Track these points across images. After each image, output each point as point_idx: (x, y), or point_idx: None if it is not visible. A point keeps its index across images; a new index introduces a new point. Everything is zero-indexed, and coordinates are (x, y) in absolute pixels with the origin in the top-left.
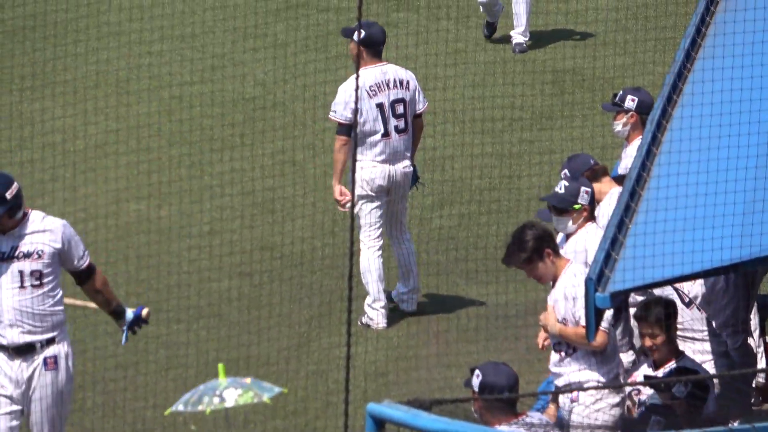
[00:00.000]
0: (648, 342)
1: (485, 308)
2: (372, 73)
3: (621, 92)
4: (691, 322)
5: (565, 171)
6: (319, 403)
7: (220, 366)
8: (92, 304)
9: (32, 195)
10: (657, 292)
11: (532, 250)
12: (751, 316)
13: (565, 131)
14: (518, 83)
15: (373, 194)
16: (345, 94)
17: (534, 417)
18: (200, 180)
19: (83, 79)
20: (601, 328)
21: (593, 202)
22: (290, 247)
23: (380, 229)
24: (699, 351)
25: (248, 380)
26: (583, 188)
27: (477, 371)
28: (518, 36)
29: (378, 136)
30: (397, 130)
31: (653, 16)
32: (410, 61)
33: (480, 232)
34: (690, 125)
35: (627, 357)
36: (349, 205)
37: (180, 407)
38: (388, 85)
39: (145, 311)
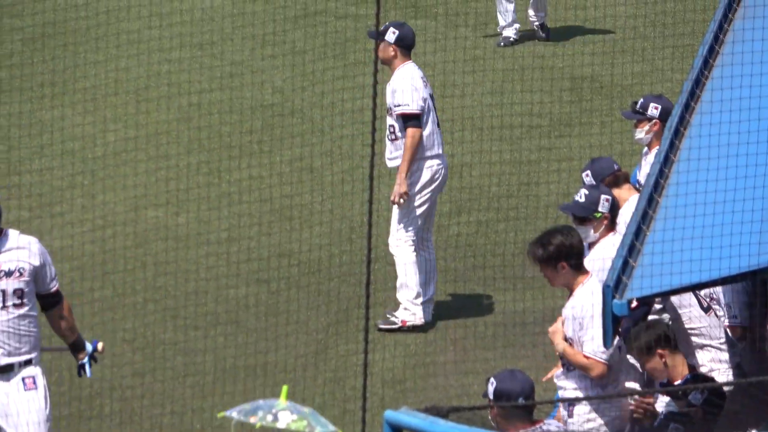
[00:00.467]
0: (646, 366)
1: (503, 315)
2: (414, 66)
3: (642, 100)
4: (708, 328)
5: (588, 173)
6: (336, 410)
7: (284, 387)
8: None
9: (51, 202)
10: (674, 298)
11: (549, 256)
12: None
13: (583, 138)
14: (536, 90)
15: (430, 193)
16: (409, 84)
17: (552, 425)
18: (218, 187)
19: (101, 87)
20: (601, 360)
21: (614, 209)
22: (307, 254)
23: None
24: (714, 359)
25: (307, 410)
26: (603, 196)
27: (491, 379)
28: (509, 30)
29: (435, 126)
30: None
31: (671, 24)
32: (428, 68)
33: (498, 239)
34: (708, 132)
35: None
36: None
37: (234, 414)
38: (426, 79)
39: (100, 345)
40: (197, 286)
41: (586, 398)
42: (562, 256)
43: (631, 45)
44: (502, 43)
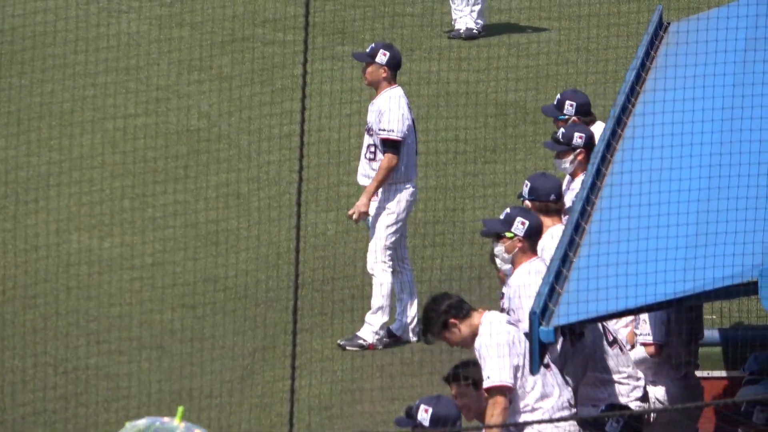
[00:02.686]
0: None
1: (429, 341)
2: (401, 91)
3: (563, 131)
4: (610, 363)
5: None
6: None
7: (180, 408)
8: None
9: None
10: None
11: (439, 327)
12: None
13: (508, 164)
14: (462, 116)
15: (405, 215)
16: (398, 111)
17: None
18: (144, 212)
19: (27, 111)
20: (493, 384)
21: (532, 235)
22: (234, 280)
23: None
24: (614, 394)
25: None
26: (519, 219)
27: (423, 405)
28: (470, 21)
29: (415, 155)
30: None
31: (596, 50)
32: (355, 93)
33: (424, 265)
34: (634, 157)
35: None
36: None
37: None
38: (410, 105)
39: None
40: (122, 311)
41: (515, 424)
42: (446, 317)
43: (556, 71)
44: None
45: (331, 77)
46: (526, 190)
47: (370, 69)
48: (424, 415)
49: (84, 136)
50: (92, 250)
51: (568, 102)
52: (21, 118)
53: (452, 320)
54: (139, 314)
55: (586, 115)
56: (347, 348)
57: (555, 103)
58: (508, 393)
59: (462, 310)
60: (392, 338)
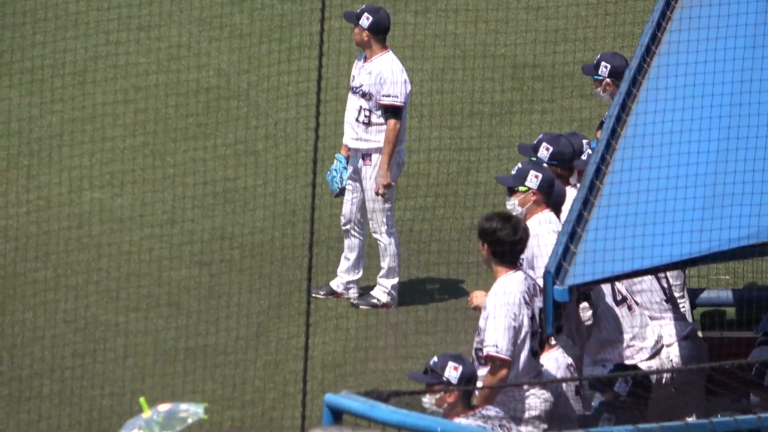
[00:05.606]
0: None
1: (442, 300)
2: (395, 56)
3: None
4: (617, 323)
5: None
6: (275, 393)
7: (142, 399)
8: None
9: None
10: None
11: (478, 231)
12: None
13: (524, 125)
14: (477, 77)
15: (397, 176)
16: (400, 76)
17: (491, 410)
18: (159, 169)
19: (43, 67)
20: (500, 355)
21: (547, 188)
22: (249, 237)
23: None
24: (625, 356)
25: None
26: (533, 172)
27: (452, 363)
28: None
29: (406, 119)
30: None
31: (613, 12)
32: None
33: (438, 224)
34: (650, 120)
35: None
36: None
37: None
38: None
39: None
40: (137, 268)
41: (527, 382)
42: (483, 238)
43: (573, 32)
44: None
45: (349, 35)
46: (546, 154)
47: (355, 30)
48: (453, 372)
49: (99, 93)
50: (107, 207)
51: (603, 63)
52: (36, 75)
53: (485, 245)
54: (154, 271)
55: (619, 78)
56: (360, 306)
57: (595, 63)
58: (508, 367)
59: (497, 247)
60: (332, 294)
